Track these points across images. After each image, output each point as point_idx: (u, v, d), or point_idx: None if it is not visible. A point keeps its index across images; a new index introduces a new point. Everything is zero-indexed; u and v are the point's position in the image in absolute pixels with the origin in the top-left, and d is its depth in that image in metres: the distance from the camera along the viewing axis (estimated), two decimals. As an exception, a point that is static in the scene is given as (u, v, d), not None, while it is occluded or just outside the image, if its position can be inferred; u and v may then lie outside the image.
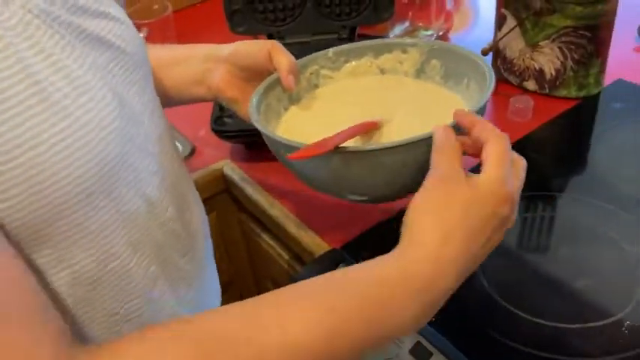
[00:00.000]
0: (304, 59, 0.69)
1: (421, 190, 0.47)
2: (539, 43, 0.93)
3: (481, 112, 0.58)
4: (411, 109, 0.65)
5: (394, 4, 1.06)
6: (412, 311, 0.44)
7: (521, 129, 0.91)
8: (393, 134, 0.60)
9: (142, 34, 1.17)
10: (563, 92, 0.96)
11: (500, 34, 0.98)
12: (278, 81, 0.66)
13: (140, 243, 0.51)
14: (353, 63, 0.69)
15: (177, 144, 0.97)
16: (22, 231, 0.42)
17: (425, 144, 0.51)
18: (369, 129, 0.61)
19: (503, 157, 0.48)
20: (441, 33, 1.17)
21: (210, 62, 0.69)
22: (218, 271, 0.70)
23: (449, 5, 1.16)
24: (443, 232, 0.44)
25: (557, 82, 0.95)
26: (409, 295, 0.44)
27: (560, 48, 0.92)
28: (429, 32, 1.16)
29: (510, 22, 0.95)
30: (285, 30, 1.06)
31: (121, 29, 0.51)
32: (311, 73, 0.70)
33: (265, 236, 0.92)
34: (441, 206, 0.45)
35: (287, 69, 0.64)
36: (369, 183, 0.56)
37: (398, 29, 1.16)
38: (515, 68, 0.98)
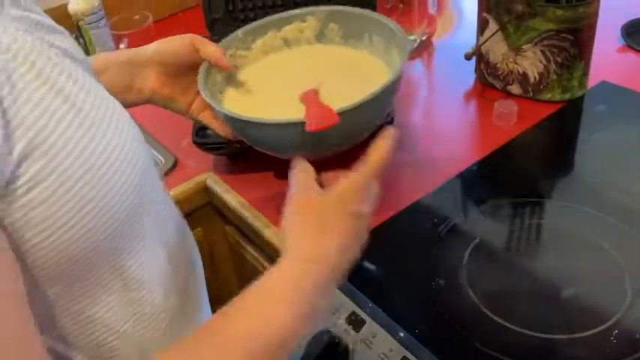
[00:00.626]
0: (220, 44, 0.72)
1: (288, 208, 0.53)
2: (522, 47, 0.92)
3: (398, 77, 0.64)
4: (334, 74, 0.72)
5: (375, 10, 1.05)
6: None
7: (505, 133, 0.91)
8: (334, 98, 0.64)
9: (122, 45, 1.16)
10: (547, 96, 0.95)
11: (482, 39, 0.97)
12: (209, 69, 0.70)
13: (163, 236, 0.54)
14: (260, 40, 0.75)
15: (159, 156, 0.96)
16: (89, 251, 0.44)
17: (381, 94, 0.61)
18: (316, 96, 0.65)
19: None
20: (424, 38, 1.16)
21: (135, 67, 0.69)
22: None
23: (432, 10, 1.15)
24: (301, 235, 0.51)
25: (541, 86, 0.94)
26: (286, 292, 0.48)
27: (542, 51, 0.91)
28: (412, 37, 1.15)
29: (492, 26, 0.94)
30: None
31: (68, 39, 0.51)
32: (230, 55, 0.75)
33: (250, 249, 0.91)
34: (300, 211, 0.52)
35: (219, 54, 0.68)
36: (342, 138, 0.63)
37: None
38: (499, 72, 0.98)
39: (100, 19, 1.13)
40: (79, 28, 1.11)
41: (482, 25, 0.97)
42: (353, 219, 0.52)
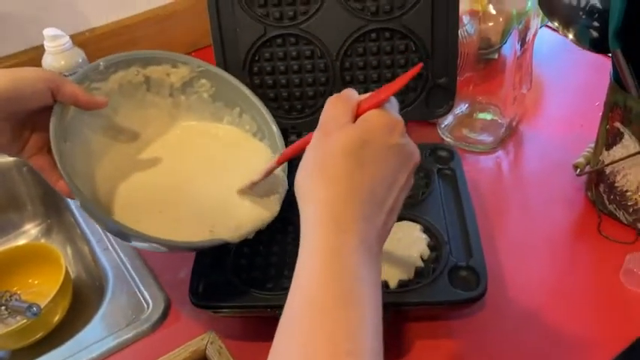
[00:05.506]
0: (76, 76, 0.62)
1: (306, 150, 0.47)
2: (673, 180, 0.64)
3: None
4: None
5: (454, 96, 0.77)
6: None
7: (642, 306, 0.63)
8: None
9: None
10: (699, 246, 0.67)
11: (610, 156, 0.69)
12: (63, 114, 0.58)
13: None
14: (120, 73, 0.65)
15: (147, 294, 0.70)
16: None
17: None
18: None
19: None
20: (514, 123, 0.87)
21: None
22: None
23: (525, 88, 0.86)
24: (328, 188, 0.43)
25: (693, 232, 0.66)
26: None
27: None
28: (489, 117, 0.87)
29: (629, 143, 0.66)
30: (302, 124, 0.78)
31: None
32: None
33: None
34: (320, 159, 0.44)
35: (84, 95, 0.58)
36: None
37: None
38: (629, 203, 0.69)
39: (85, 79, 0.86)
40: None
41: (610, 137, 0.68)
42: (392, 151, 0.45)
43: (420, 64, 0.51)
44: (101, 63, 0.63)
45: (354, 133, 0.44)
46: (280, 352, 0.39)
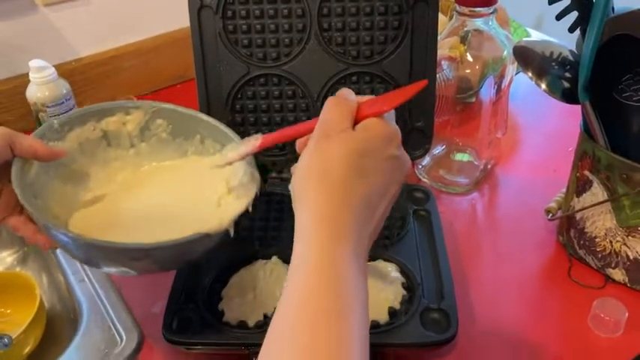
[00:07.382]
0: (33, 136, 0.61)
1: (304, 152, 0.47)
2: (639, 229, 0.66)
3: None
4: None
5: (431, 139, 0.79)
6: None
7: (609, 352, 0.64)
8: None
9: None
10: (664, 293, 0.69)
11: (580, 203, 0.71)
12: (24, 168, 0.57)
13: None
14: (77, 130, 0.65)
15: (119, 327, 0.70)
16: None
17: None
18: None
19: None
20: (489, 165, 0.90)
21: None
22: None
23: (501, 132, 0.88)
24: (326, 194, 0.44)
25: (659, 280, 0.68)
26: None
27: (671, 242, 0.65)
28: (466, 158, 0.89)
29: (598, 191, 0.68)
30: (282, 161, 0.79)
31: None
32: None
33: None
34: (320, 164, 0.45)
35: (41, 147, 0.58)
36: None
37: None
38: (598, 249, 0.71)
39: (69, 110, 0.87)
40: (39, 121, 0.85)
41: (580, 184, 0.70)
42: (387, 162, 0.46)
43: (425, 81, 0.50)
44: (55, 121, 0.63)
45: (355, 141, 0.45)
46: (272, 356, 0.39)
